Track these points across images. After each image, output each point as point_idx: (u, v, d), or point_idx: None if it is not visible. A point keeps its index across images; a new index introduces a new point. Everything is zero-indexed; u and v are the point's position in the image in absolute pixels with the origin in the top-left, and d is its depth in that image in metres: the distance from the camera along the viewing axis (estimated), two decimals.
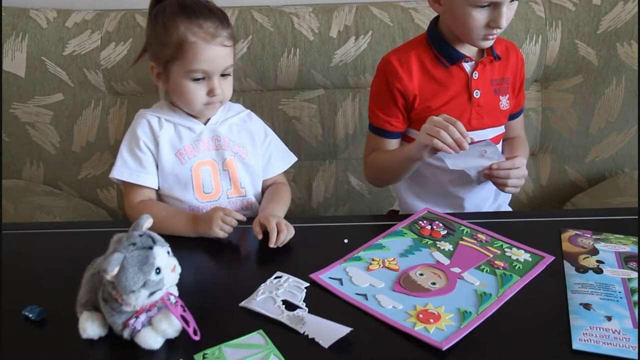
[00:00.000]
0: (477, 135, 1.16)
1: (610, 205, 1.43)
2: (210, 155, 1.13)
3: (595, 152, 1.63)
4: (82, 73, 1.54)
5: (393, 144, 1.25)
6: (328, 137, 1.61)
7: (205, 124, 1.13)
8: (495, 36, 1.12)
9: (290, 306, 0.82)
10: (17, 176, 1.63)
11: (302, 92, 1.60)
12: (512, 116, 1.30)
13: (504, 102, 1.23)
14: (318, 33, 1.53)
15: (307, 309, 0.80)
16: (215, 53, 1.05)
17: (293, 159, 1.24)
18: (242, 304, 0.82)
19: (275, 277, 0.89)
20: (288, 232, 0.98)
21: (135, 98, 1.59)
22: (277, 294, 0.84)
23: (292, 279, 0.88)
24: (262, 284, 0.87)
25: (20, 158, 1.62)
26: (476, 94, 1.19)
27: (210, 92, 1.07)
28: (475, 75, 1.19)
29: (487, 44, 1.14)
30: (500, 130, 1.26)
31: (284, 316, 0.79)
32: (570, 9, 1.54)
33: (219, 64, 1.06)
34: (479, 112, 1.20)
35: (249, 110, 1.21)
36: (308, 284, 0.87)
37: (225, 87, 1.09)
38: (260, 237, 0.98)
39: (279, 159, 1.21)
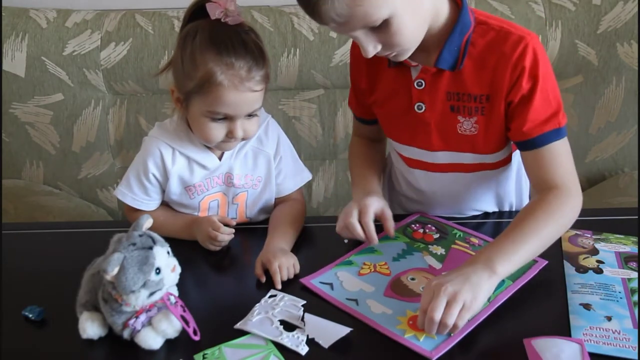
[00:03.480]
0: (428, 156, 1.02)
1: (610, 205, 1.42)
2: (221, 189, 1.07)
3: (595, 152, 1.63)
4: (82, 73, 1.54)
5: (365, 129, 1.15)
6: (328, 137, 1.61)
7: (220, 157, 1.05)
8: None
9: (288, 326, 0.79)
10: (17, 176, 1.63)
11: (302, 92, 1.60)
12: (522, 145, 0.93)
13: (466, 125, 0.95)
14: (318, 33, 1.53)
15: (306, 330, 0.77)
16: (241, 98, 0.94)
17: (307, 176, 1.13)
18: (237, 325, 0.79)
19: (270, 296, 0.85)
20: (289, 272, 0.90)
21: (136, 98, 1.59)
22: (273, 314, 0.81)
23: (288, 297, 0.85)
24: (257, 304, 0.83)
25: (20, 158, 1.62)
26: (419, 107, 0.96)
27: (230, 134, 0.97)
28: (420, 85, 0.95)
29: None
30: (466, 158, 1.00)
31: (283, 337, 0.76)
32: (570, 9, 1.54)
33: (244, 110, 0.96)
34: (425, 130, 0.98)
35: (267, 120, 1.09)
36: (304, 302, 0.83)
37: (249, 127, 0.99)
38: (263, 279, 0.89)
39: (290, 176, 1.11)
